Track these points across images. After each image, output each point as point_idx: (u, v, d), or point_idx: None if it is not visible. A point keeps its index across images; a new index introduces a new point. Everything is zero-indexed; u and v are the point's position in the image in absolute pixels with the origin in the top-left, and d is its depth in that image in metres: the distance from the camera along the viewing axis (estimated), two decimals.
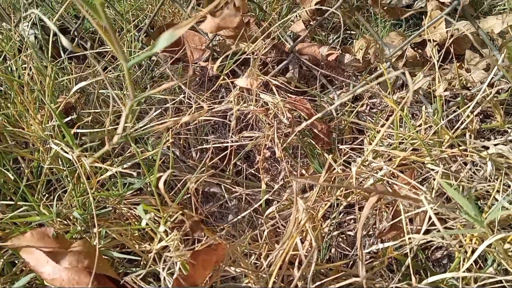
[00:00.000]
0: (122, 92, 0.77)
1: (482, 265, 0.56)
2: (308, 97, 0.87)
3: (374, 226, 0.64)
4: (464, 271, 0.47)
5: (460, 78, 0.83)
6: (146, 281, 0.51)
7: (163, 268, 0.45)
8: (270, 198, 0.69)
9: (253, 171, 0.76)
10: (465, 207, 0.43)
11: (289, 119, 0.75)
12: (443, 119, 0.69)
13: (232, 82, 0.81)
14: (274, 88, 0.79)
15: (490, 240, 0.42)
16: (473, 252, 0.48)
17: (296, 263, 0.51)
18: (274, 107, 0.78)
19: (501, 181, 0.56)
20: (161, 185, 0.41)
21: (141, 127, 0.59)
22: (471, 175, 0.63)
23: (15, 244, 0.51)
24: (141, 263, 0.57)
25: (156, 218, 0.54)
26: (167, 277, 0.45)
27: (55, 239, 0.52)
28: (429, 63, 0.86)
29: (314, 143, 0.76)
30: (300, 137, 0.77)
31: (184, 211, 0.42)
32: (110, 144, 0.48)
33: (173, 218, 0.47)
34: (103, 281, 0.48)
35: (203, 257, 0.44)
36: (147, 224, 0.48)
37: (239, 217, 0.64)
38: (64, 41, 0.40)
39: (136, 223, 0.60)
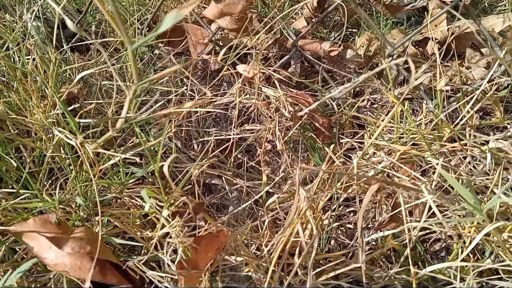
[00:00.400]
0: (125, 83, 0.78)
1: (480, 257, 0.57)
2: (310, 92, 0.88)
3: (374, 219, 0.65)
4: (461, 261, 0.48)
5: (461, 75, 0.83)
6: (148, 267, 0.51)
7: (166, 252, 0.45)
8: (271, 191, 0.70)
9: (253, 164, 0.76)
10: (464, 195, 0.43)
11: (291, 113, 0.75)
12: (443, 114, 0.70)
13: (235, 74, 0.82)
14: (276, 82, 0.79)
15: (489, 228, 0.43)
16: (471, 242, 0.49)
17: (296, 253, 0.51)
18: (276, 100, 0.78)
19: (499, 174, 0.56)
20: (165, 168, 0.41)
21: (145, 116, 0.59)
22: (470, 169, 0.63)
23: (18, 230, 0.51)
24: (142, 251, 0.57)
25: (158, 206, 0.54)
26: (169, 262, 0.45)
27: (57, 226, 0.52)
28: (430, 60, 0.87)
29: (315, 137, 0.77)
30: (301, 131, 0.78)
31: (187, 196, 0.43)
32: (113, 130, 0.48)
33: (176, 203, 0.47)
34: (105, 266, 0.48)
35: (205, 242, 0.45)
36: (150, 208, 0.48)
37: (239, 208, 0.64)
38: (70, 24, 0.40)
39: (138, 212, 0.61)
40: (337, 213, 0.64)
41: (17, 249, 0.60)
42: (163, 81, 0.89)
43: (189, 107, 0.45)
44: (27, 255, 0.59)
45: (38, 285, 0.54)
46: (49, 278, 0.54)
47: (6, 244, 0.58)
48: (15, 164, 0.63)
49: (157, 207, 0.52)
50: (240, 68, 0.73)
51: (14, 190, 0.64)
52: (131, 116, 0.61)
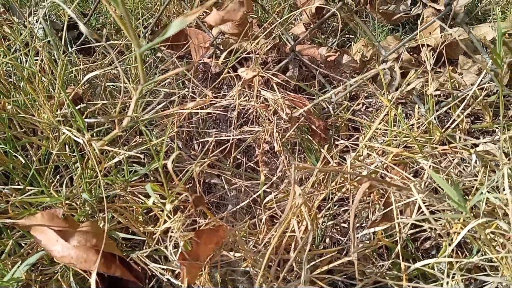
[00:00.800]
0: (131, 82, 0.80)
1: (467, 254, 0.59)
2: (307, 96, 0.90)
3: (367, 219, 0.67)
4: (449, 256, 0.51)
5: (453, 80, 0.86)
6: (151, 260, 0.53)
7: (168, 245, 0.47)
8: (268, 190, 0.72)
9: (252, 164, 0.79)
10: (449, 193, 0.46)
11: (288, 115, 0.78)
12: (435, 118, 0.72)
13: (235, 77, 0.84)
14: (274, 86, 0.82)
15: (473, 224, 0.46)
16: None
17: (292, 249, 0.54)
18: (274, 103, 0.81)
19: (486, 176, 0.59)
20: (169, 164, 0.44)
21: (150, 115, 0.62)
22: (460, 171, 0.66)
23: (27, 223, 0.54)
24: (144, 247, 0.59)
25: (161, 202, 0.56)
26: (170, 256, 0.48)
27: (64, 220, 0.55)
28: (422, 66, 0.90)
29: (311, 138, 0.79)
30: (298, 133, 0.80)
31: (188, 190, 0.45)
32: (120, 128, 0.51)
33: (179, 197, 0.49)
34: (110, 259, 0.50)
35: (206, 236, 0.47)
36: (153, 203, 0.51)
37: (238, 206, 0.67)
38: (83, 27, 0.43)
39: (140, 209, 0.63)
40: (331, 212, 0.66)
41: (23, 244, 0.62)
42: (165, 83, 0.92)
43: (191, 107, 0.48)
44: (33, 250, 0.61)
45: (44, 278, 0.56)
46: (54, 272, 0.57)
47: (14, 238, 0.60)
48: (23, 161, 0.65)
49: (160, 202, 0.54)
50: (241, 70, 0.76)
51: (21, 187, 0.66)
52: (136, 116, 0.63)
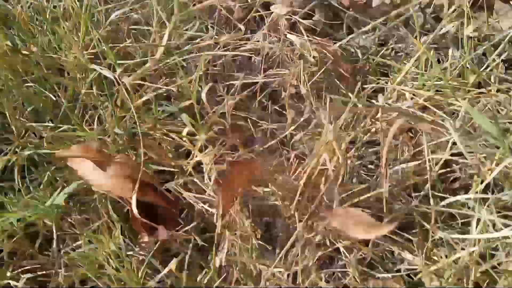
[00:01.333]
0: (154, 26, 0.79)
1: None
2: (334, 41, 0.88)
3: (395, 160, 0.67)
4: (480, 193, 0.50)
5: (489, 24, 0.83)
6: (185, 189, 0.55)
7: (205, 170, 0.49)
8: (295, 132, 0.72)
9: (278, 108, 0.78)
10: (487, 128, 0.45)
11: (316, 58, 0.76)
12: (470, 61, 0.70)
13: (259, 21, 0.82)
14: (302, 28, 0.80)
15: (510, 159, 0.45)
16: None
17: (322, 183, 0.55)
18: (301, 47, 0.79)
19: None
20: (203, 94, 0.44)
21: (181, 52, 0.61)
22: (494, 113, 0.65)
23: (63, 154, 0.55)
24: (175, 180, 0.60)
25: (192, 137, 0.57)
26: (204, 184, 0.49)
27: (99, 152, 0.56)
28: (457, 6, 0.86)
29: (338, 82, 0.78)
30: (325, 77, 0.79)
31: (222, 121, 0.46)
32: (153, 62, 0.50)
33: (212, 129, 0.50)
34: (145, 187, 0.52)
35: (239, 167, 0.48)
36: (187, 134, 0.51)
37: (266, 146, 0.67)
38: None
39: (169, 147, 0.64)
40: (359, 152, 0.66)
41: (58, 178, 0.65)
42: (189, 28, 0.90)
43: (226, 39, 0.47)
44: (66, 184, 0.63)
45: (81, 207, 0.58)
46: (90, 201, 0.59)
47: (50, 171, 0.62)
48: (53, 98, 0.66)
49: (191, 137, 0.55)
50: (274, 6, 0.74)
51: (53, 125, 0.68)
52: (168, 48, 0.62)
